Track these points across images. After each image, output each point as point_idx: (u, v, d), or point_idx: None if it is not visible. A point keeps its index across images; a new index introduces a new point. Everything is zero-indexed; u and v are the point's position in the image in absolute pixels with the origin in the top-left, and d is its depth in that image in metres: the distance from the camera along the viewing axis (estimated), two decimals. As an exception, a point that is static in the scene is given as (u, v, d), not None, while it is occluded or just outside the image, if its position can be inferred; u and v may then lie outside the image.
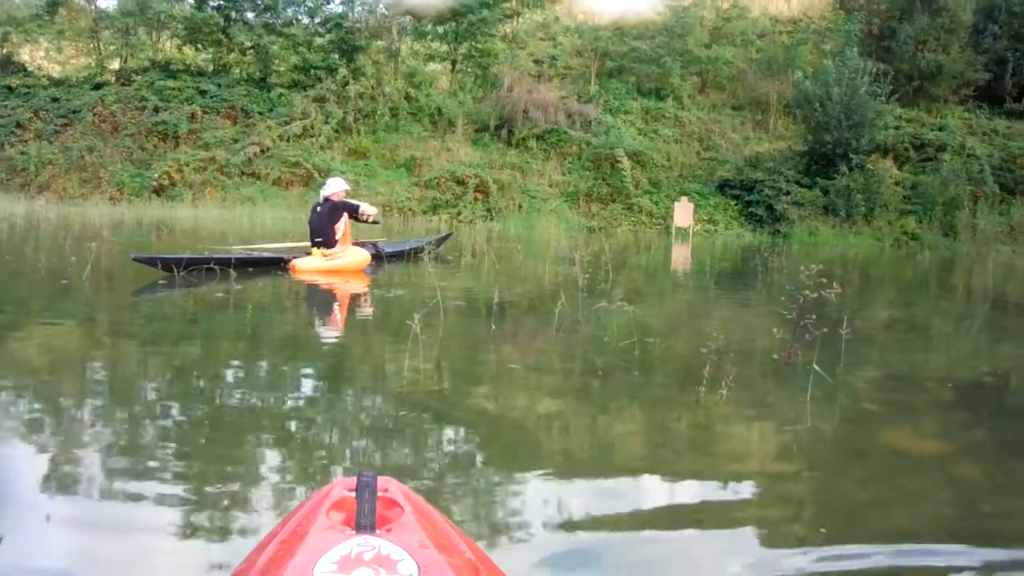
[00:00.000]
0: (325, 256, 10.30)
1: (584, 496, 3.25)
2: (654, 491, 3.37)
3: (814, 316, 5.11)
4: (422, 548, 1.44)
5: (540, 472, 3.48)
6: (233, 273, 9.06)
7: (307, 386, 5.03)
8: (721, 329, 6.04)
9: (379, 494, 1.58)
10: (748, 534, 2.95)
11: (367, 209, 10.98)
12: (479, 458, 3.68)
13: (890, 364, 6.46)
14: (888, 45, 27.18)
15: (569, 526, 2.95)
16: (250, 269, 9.95)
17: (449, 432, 4.08)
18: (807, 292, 5.15)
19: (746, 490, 3.42)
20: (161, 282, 8.96)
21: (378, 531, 1.49)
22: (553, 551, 2.75)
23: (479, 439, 3.97)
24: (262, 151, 25.42)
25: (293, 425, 4.08)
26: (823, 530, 2.98)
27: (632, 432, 4.24)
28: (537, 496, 3.22)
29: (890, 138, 25.20)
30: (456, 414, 4.42)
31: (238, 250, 10.51)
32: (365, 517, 1.51)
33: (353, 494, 1.58)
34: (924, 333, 8.63)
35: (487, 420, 4.38)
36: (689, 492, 3.38)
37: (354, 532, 1.48)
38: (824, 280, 5.15)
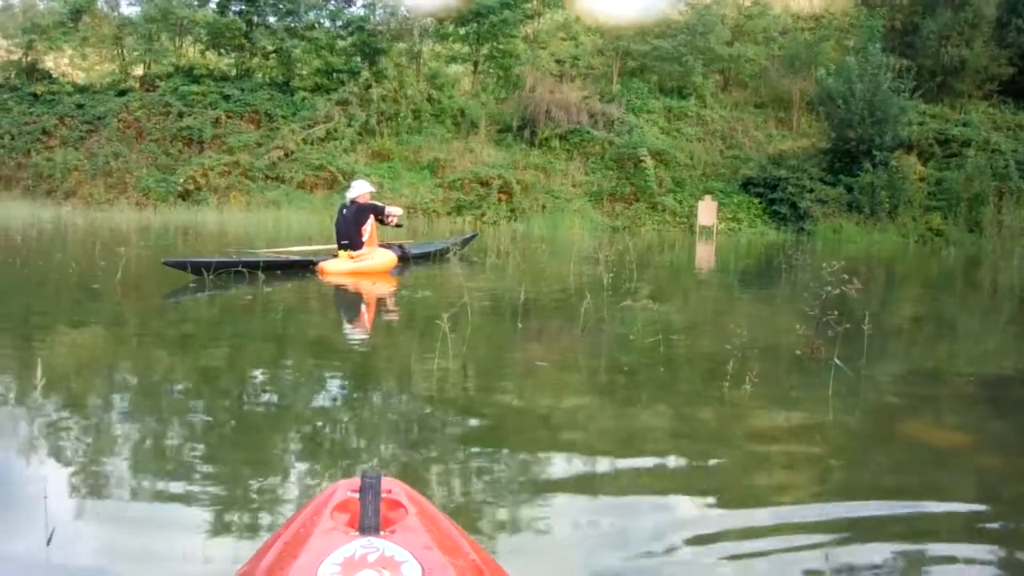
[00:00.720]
0: (352, 258, 10.42)
1: (604, 495, 3.30)
2: (677, 486, 3.43)
3: (836, 312, 5.17)
4: (426, 550, 1.44)
5: (562, 468, 3.57)
6: (261, 276, 9.23)
7: (335, 387, 5.13)
8: (745, 326, 6.11)
9: (383, 495, 1.58)
10: (770, 523, 3.02)
11: (393, 211, 11.10)
12: (502, 458, 3.73)
13: (913, 359, 6.51)
14: (911, 40, 27.07)
15: (582, 524, 3.01)
16: (278, 272, 10.09)
17: (474, 431, 4.15)
18: (829, 288, 5.22)
19: (769, 481, 3.49)
20: (191, 285, 9.12)
21: (382, 532, 1.49)
22: (563, 552, 2.80)
23: (503, 438, 4.04)
24: (286, 155, 25.62)
25: (320, 426, 4.19)
26: (844, 519, 3.05)
27: (657, 426, 4.32)
28: (556, 495, 3.29)
29: (914, 134, 25.06)
30: (483, 411, 4.51)
31: (266, 253, 10.67)
32: (368, 519, 1.50)
33: (357, 495, 1.57)
34: (948, 329, 8.64)
35: (512, 417, 4.47)
36: (712, 484, 3.44)
37: (358, 534, 1.48)
38: (846, 276, 5.21)
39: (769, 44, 29.76)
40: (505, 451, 3.80)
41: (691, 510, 3.16)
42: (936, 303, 10.94)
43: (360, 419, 4.35)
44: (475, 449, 3.85)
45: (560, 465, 3.62)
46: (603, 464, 3.66)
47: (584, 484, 3.41)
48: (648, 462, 3.74)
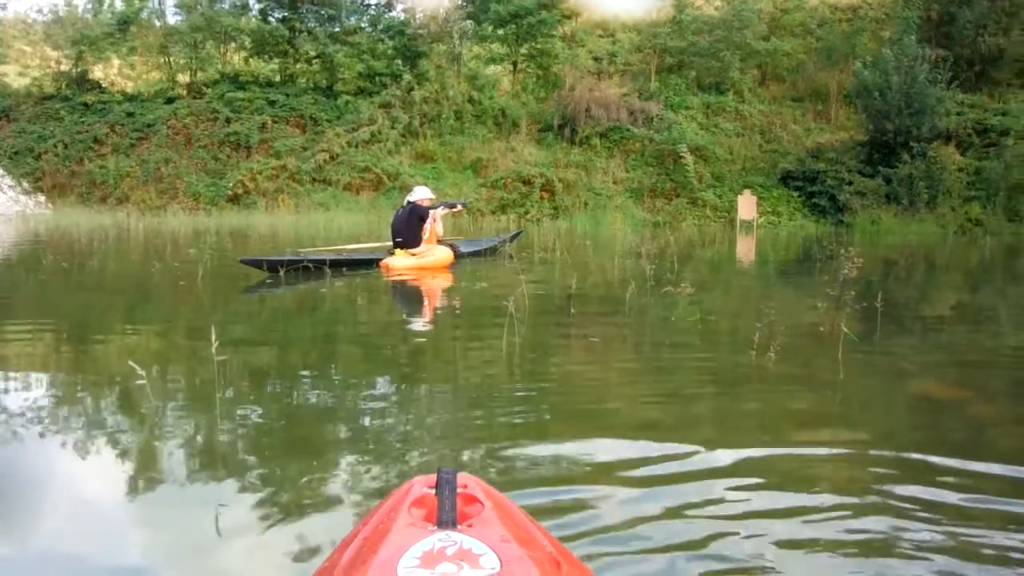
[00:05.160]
0: (413, 255, 11.18)
1: (657, 461, 3.50)
2: (708, 432, 3.99)
3: (853, 293, 5.80)
4: (503, 542, 1.46)
5: (617, 422, 4.14)
6: (328, 272, 10.00)
7: (410, 375, 5.50)
8: (776, 309, 6.75)
9: (459, 490, 1.63)
10: (791, 458, 3.63)
11: (435, 214, 11.81)
12: (560, 433, 4.13)
13: (929, 335, 7.03)
14: (948, 31, 27.29)
15: (638, 497, 3.11)
16: (344, 269, 10.88)
17: (535, 399, 4.72)
18: (845, 272, 5.88)
19: (788, 426, 4.11)
20: (268, 281, 9.85)
21: (459, 526, 1.53)
22: (626, 537, 2.81)
23: (562, 400, 4.65)
24: (332, 158, 26.55)
25: (399, 413, 4.39)
26: (845, 455, 3.66)
27: (693, 385, 4.99)
28: (611, 468, 3.43)
29: (952, 124, 25.31)
30: (546, 377, 5.16)
31: (331, 251, 11.46)
32: (446, 513, 1.54)
33: (433, 491, 1.63)
34: (972, 311, 8.98)
35: (572, 379, 5.13)
36: (739, 431, 4.03)
37: (436, 528, 1.52)
38: (859, 260, 5.88)
39: (805, 37, 30.09)
40: (563, 431, 4.10)
41: (722, 455, 3.58)
42: (967, 289, 11.36)
43: (433, 404, 4.57)
44: (540, 418, 4.29)
45: (615, 419, 4.21)
46: (649, 431, 4.00)
47: (635, 438, 3.84)
48: (687, 412, 4.39)
